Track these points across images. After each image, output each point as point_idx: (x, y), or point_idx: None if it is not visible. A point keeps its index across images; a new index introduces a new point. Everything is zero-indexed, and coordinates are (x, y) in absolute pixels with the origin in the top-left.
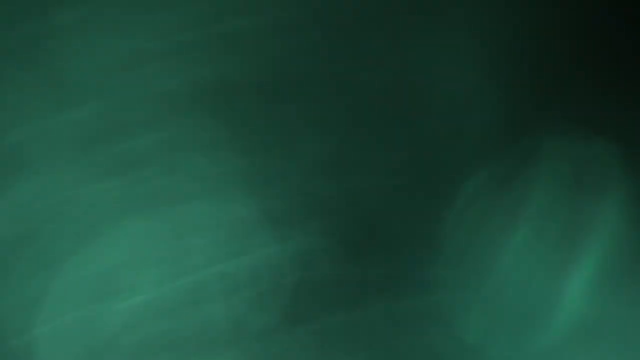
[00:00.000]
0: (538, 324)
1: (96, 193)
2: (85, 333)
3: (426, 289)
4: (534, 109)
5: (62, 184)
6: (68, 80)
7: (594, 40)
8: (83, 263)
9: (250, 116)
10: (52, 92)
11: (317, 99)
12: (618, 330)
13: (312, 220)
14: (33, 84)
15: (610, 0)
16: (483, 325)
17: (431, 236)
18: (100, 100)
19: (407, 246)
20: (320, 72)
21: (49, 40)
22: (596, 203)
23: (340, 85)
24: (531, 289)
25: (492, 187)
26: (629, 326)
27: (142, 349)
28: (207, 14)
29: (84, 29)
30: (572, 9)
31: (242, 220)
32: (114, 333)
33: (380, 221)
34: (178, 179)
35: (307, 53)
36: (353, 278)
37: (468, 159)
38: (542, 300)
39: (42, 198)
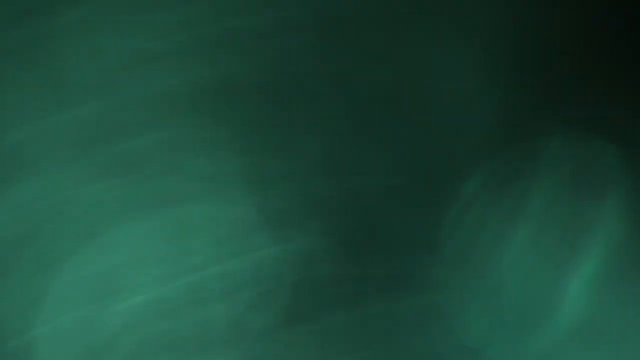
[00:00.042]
0: (538, 324)
1: (96, 193)
2: (85, 333)
3: (426, 289)
4: (534, 109)
5: (62, 184)
6: (68, 80)
7: (594, 41)
8: (83, 263)
9: (250, 116)
10: (52, 92)
11: (317, 99)
12: (618, 331)
13: (312, 220)
14: (33, 84)
15: (611, 1)
16: (483, 326)
17: (431, 236)
18: (100, 100)
19: (407, 246)
20: (321, 72)
21: (49, 40)
22: (596, 203)
23: (341, 85)
24: (531, 289)
25: (492, 188)
26: (629, 326)
27: (142, 349)
28: (207, 14)
29: (84, 29)
30: (572, 9)
31: (242, 220)
32: (114, 333)
33: (380, 221)
34: (178, 179)
35: (307, 53)
36: (353, 278)
37: (468, 159)
38: (542, 300)
39: (42, 198)
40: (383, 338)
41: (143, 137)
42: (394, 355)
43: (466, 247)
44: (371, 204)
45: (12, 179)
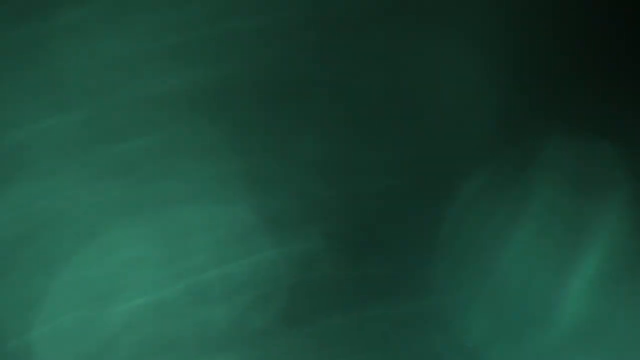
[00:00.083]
0: (539, 325)
1: (96, 194)
2: (84, 334)
3: (426, 290)
4: (534, 110)
5: (61, 185)
6: (67, 81)
7: (595, 41)
8: (82, 264)
9: (249, 118)
10: (52, 93)
11: (316, 100)
12: (618, 331)
13: (311, 223)
14: (33, 84)
15: (611, 1)
16: (484, 327)
17: (431, 238)
18: (99, 101)
19: (406, 248)
20: (319, 73)
21: (48, 41)
22: (597, 204)
23: (339, 87)
24: (532, 290)
25: (492, 189)
26: (629, 327)
27: (141, 350)
28: (205, 15)
29: (83, 30)
30: (573, 10)
31: (241, 222)
32: (113, 334)
33: (379, 223)
34: (177, 181)
35: (305, 54)
36: (352, 280)
37: (468, 160)
38: (542, 301)
39: (41, 199)
40: (382, 341)
41: (142, 138)
42: (394, 358)
43: (466, 249)
44: (370, 206)
45: (11, 179)
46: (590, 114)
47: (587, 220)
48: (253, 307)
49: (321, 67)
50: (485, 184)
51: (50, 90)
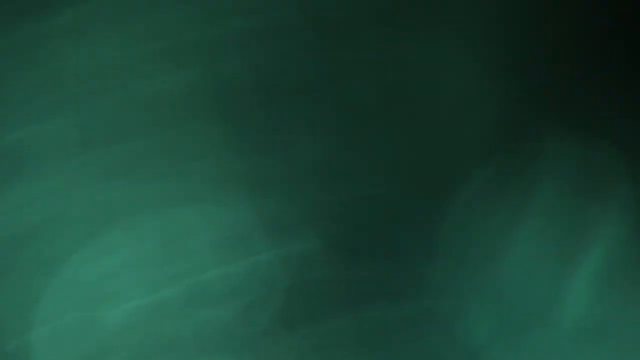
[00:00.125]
0: (539, 326)
1: (94, 195)
2: (83, 334)
3: (425, 292)
4: (535, 112)
5: (61, 185)
6: (65, 81)
7: (596, 42)
8: (81, 265)
9: (248, 119)
10: (50, 93)
11: (314, 102)
12: (619, 331)
13: (309, 224)
14: (32, 84)
15: (611, 2)
16: (484, 328)
17: (430, 240)
18: (97, 102)
19: (405, 250)
20: (317, 75)
21: (48, 41)
22: (597, 205)
23: (338, 88)
24: (532, 291)
25: (492, 190)
26: (630, 327)
27: (140, 351)
28: (203, 16)
29: (82, 30)
30: (573, 11)
31: (239, 224)
32: (111, 335)
33: (378, 225)
34: (176, 182)
35: (304, 56)
36: (351, 282)
37: (467, 162)
38: (543, 301)
39: (40, 199)
40: (381, 343)
41: (141, 139)
42: None
43: (466, 250)
44: (369, 208)
45: (10, 179)
46: (590, 115)
47: (588, 221)
48: (251, 309)
49: (320, 68)
50: (485, 185)
51: (48, 91)
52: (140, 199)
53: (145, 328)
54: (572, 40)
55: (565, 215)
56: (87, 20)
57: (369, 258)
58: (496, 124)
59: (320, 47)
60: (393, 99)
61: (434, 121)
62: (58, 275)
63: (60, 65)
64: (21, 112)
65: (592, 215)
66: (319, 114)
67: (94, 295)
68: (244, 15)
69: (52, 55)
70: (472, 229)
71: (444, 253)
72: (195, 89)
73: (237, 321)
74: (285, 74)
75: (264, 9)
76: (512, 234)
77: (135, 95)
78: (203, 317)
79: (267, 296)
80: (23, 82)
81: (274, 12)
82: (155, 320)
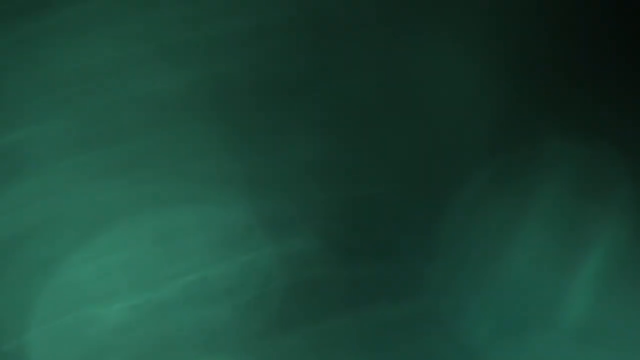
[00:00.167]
0: (539, 326)
1: (92, 195)
2: (80, 335)
3: (424, 291)
4: (535, 113)
5: (58, 185)
6: (65, 81)
7: (596, 43)
8: (79, 264)
9: (245, 119)
10: (49, 94)
11: (312, 101)
12: (619, 332)
13: (307, 224)
14: (31, 84)
15: (612, 3)
16: (484, 328)
17: (429, 239)
18: (95, 102)
19: (404, 249)
20: (316, 74)
21: (46, 41)
22: (597, 205)
23: (336, 88)
24: (532, 291)
25: (492, 190)
26: (630, 328)
27: (138, 351)
28: (200, 16)
29: (81, 30)
30: (573, 12)
31: (237, 224)
32: (109, 335)
33: (377, 224)
34: (173, 181)
35: (301, 56)
36: (349, 281)
37: (468, 162)
38: (543, 302)
39: (38, 200)
40: (380, 342)
41: (138, 139)
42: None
43: (465, 250)
44: (368, 207)
45: (8, 180)
46: (590, 115)
47: (588, 222)
48: (250, 308)
49: (318, 68)
50: (485, 185)
51: (47, 91)
52: (138, 198)
53: (144, 327)
54: (573, 41)
55: (565, 216)
56: (85, 20)
57: (368, 257)
58: (496, 124)
59: (319, 46)
60: (392, 98)
61: (433, 121)
62: (56, 275)
63: (58, 66)
64: (19, 112)
65: (592, 215)
66: (318, 113)
67: (92, 295)
68: (241, 15)
69: (51, 55)
70: (472, 229)
71: (444, 253)
72: (194, 89)
73: (236, 321)
74: (284, 73)
75: (262, 8)
76: (512, 234)
77: (133, 95)
78: (201, 316)
79: (266, 295)
80: (21, 82)
81: (272, 11)
82: (153, 320)
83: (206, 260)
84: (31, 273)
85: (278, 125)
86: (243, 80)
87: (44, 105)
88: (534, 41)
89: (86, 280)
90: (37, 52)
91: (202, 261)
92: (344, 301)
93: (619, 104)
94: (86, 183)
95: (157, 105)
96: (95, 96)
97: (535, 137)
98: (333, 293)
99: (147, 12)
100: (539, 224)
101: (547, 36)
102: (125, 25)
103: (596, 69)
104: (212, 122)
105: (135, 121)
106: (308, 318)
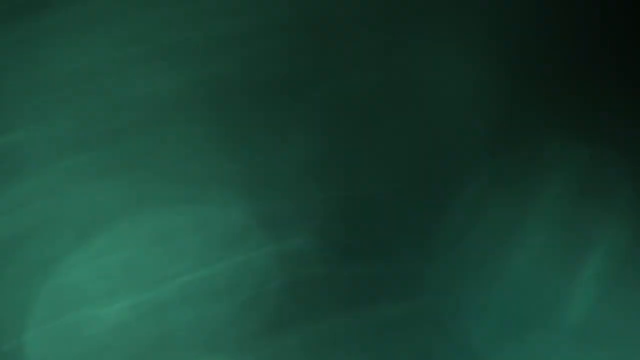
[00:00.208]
0: (539, 326)
1: (90, 195)
2: (77, 335)
3: (424, 291)
4: (535, 113)
5: (57, 186)
6: (65, 81)
7: (597, 43)
8: (76, 265)
9: (241, 119)
10: (49, 94)
11: (310, 101)
12: (620, 333)
13: (305, 223)
14: (30, 85)
15: (612, 3)
16: (483, 328)
17: (427, 238)
18: (94, 103)
19: (403, 249)
20: (314, 74)
21: (45, 41)
22: (597, 206)
23: (335, 88)
24: (532, 291)
25: (491, 191)
26: (630, 328)
27: (135, 351)
28: (196, 16)
29: (80, 30)
30: (574, 14)
31: (233, 223)
32: (107, 335)
33: (376, 223)
34: (168, 182)
35: (298, 55)
36: (347, 281)
37: (467, 162)
38: (543, 302)
39: (36, 200)
40: (378, 341)
41: (137, 139)
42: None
43: (465, 250)
44: (367, 206)
45: (8, 180)
46: (591, 115)
47: (588, 222)
48: (246, 308)
49: (317, 68)
50: (485, 185)
51: (46, 91)
52: (137, 198)
53: (141, 327)
54: (573, 41)
55: (565, 216)
56: (85, 20)
57: (367, 257)
58: (496, 125)
59: (318, 46)
60: (392, 98)
61: (433, 121)
62: (55, 275)
63: (58, 65)
64: (19, 112)
65: (592, 215)
66: (317, 113)
67: (91, 295)
68: (241, 15)
69: (51, 55)
70: (472, 229)
71: (444, 253)
72: (193, 89)
73: (234, 320)
74: (283, 73)
75: (257, 9)
76: (512, 234)
77: (132, 95)
78: (200, 316)
79: (264, 295)
80: (21, 82)
81: (267, 12)
82: (152, 319)
83: (205, 260)
84: (30, 273)
85: (277, 125)
86: (242, 81)
87: (44, 105)
88: (533, 41)
89: (85, 280)
90: (37, 52)
91: (201, 261)
92: (343, 301)
93: (619, 105)
94: (86, 183)
95: (157, 106)
96: (95, 96)
97: (535, 138)
98: (332, 292)
99: (146, 12)
100: (539, 224)
101: (547, 36)
102: (125, 25)
103: (596, 69)
104: (211, 122)
105: (134, 121)
106: (307, 317)
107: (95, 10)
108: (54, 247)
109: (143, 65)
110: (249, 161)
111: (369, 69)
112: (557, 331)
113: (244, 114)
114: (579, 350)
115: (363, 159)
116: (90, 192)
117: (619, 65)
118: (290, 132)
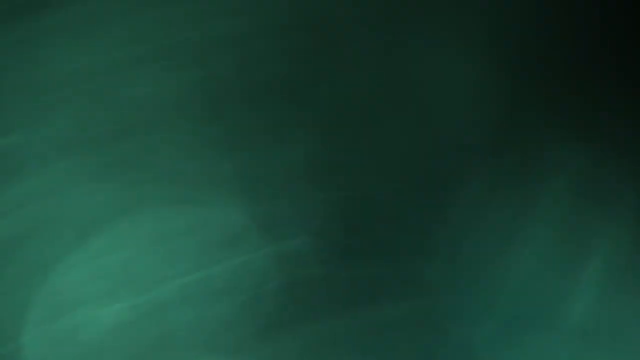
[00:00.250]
0: (539, 327)
1: (86, 197)
2: (77, 336)
3: (423, 291)
4: (536, 114)
5: (57, 186)
6: (65, 82)
7: (598, 44)
8: (76, 265)
9: (239, 119)
10: (49, 94)
11: (306, 101)
12: (620, 333)
13: (303, 223)
14: (30, 85)
15: (612, 3)
16: (483, 328)
17: (425, 239)
18: (94, 103)
19: (403, 249)
20: (310, 74)
21: (44, 42)
22: (598, 207)
23: (335, 88)
24: (533, 292)
25: (491, 191)
26: (630, 328)
27: (134, 351)
28: (194, 17)
29: (80, 30)
30: (574, 15)
31: (232, 224)
32: (105, 335)
33: (375, 223)
34: (166, 182)
35: (297, 57)
36: (345, 282)
37: (467, 162)
38: (544, 303)
39: (36, 200)
40: (377, 342)
41: (137, 139)
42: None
43: (465, 250)
44: (365, 207)
45: (8, 180)
46: (591, 116)
47: (589, 223)
48: (245, 308)
49: (315, 68)
50: (485, 186)
51: (46, 91)
52: (136, 199)
53: (141, 327)
54: (572, 41)
55: (566, 217)
56: (84, 20)
57: (367, 257)
58: (496, 125)
59: (318, 46)
60: (392, 98)
61: (433, 121)
62: (55, 275)
63: (58, 66)
64: (19, 112)
65: (593, 216)
66: (316, 113)
67: (89, 296)
68: (240, 15)
69: (50, 55)
70: (472, 229)
71: (444, 253)
72: (193, 90)
73: (234, 321)
74: (281, 74)
75: (257, 9)
76: (513, 234)
77: (132, 96)
78: (199, 316)
79: (264, 295)
80: (21, 82)
81: (267, 12)
82: (150, 320)
83: (204, 261)
84: (30, 273)
85: (276, 125)
86: (241, 81)
87: (44, 105)
88: (533, 41)
89: (85, 280)
90: (37, 52)
91: (200, 261)
92: (342, 301)
93: (619, 105)
94: (85, 183)
95: (156, 106)
96: (95, 96)
97: (535, 138)
98: (331, 293)
99: (146, 12)
100: (539, 224)
101: (547, 36)
102: (125, 25)
103: (596, 69)
104: (210, 123)
105: (134, 121)
106: (306, 318)
107: (95, 10)
108: (54, 247)
109: (143, 66)
110: (248, 162)
111: (369, 69)
112: (557, 332)
113: (243, 114)
114: (579, 351)
115: (363, 159)
116: (90, 192)
117: (619, 65)
118: (290, 133)
